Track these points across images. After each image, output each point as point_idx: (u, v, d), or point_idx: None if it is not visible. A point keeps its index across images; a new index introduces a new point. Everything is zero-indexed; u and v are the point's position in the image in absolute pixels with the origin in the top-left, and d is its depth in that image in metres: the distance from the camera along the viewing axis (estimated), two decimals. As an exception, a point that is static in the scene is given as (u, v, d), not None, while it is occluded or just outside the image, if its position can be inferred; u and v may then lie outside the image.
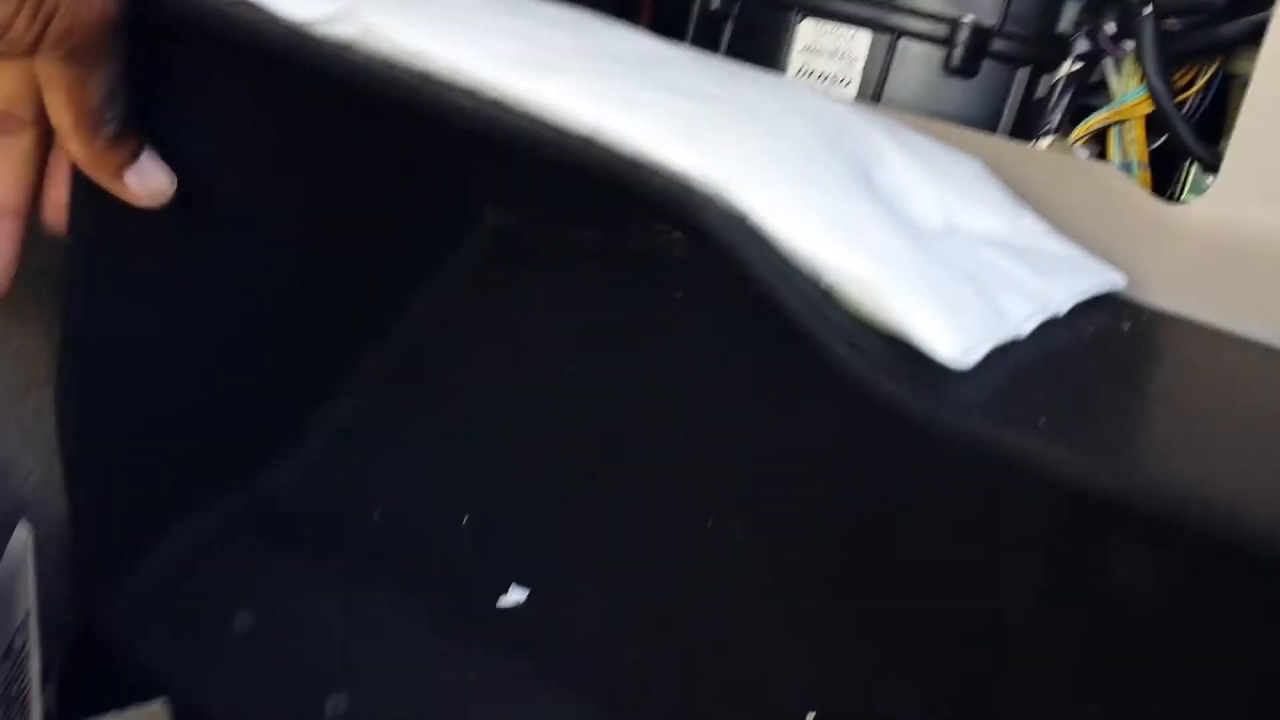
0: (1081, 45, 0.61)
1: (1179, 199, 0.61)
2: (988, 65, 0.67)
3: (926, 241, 0.39)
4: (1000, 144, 0.59)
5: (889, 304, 0.35)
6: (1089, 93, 0.65)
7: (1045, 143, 0.62)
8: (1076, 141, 0.62)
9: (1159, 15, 0.56)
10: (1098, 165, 0.57)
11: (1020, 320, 0.38)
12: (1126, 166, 0.62)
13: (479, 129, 0.39)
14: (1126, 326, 0.43)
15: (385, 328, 0.61)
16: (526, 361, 0.58)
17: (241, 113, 0.50)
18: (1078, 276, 0.43)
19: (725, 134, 0.38)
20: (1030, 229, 0.46)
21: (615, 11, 0.85)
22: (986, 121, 0.69)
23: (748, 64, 0.54)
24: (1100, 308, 0.43)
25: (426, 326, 0.60)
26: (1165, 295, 0.51)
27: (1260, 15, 0.55)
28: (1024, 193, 0.57)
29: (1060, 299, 0.41)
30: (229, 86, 0.49)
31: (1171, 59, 0.58)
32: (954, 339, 0.35)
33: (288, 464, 0.59)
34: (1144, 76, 0.57)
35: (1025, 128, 0.67)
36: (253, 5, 0.40)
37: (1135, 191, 0.56)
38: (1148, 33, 0.56)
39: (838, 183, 0.38)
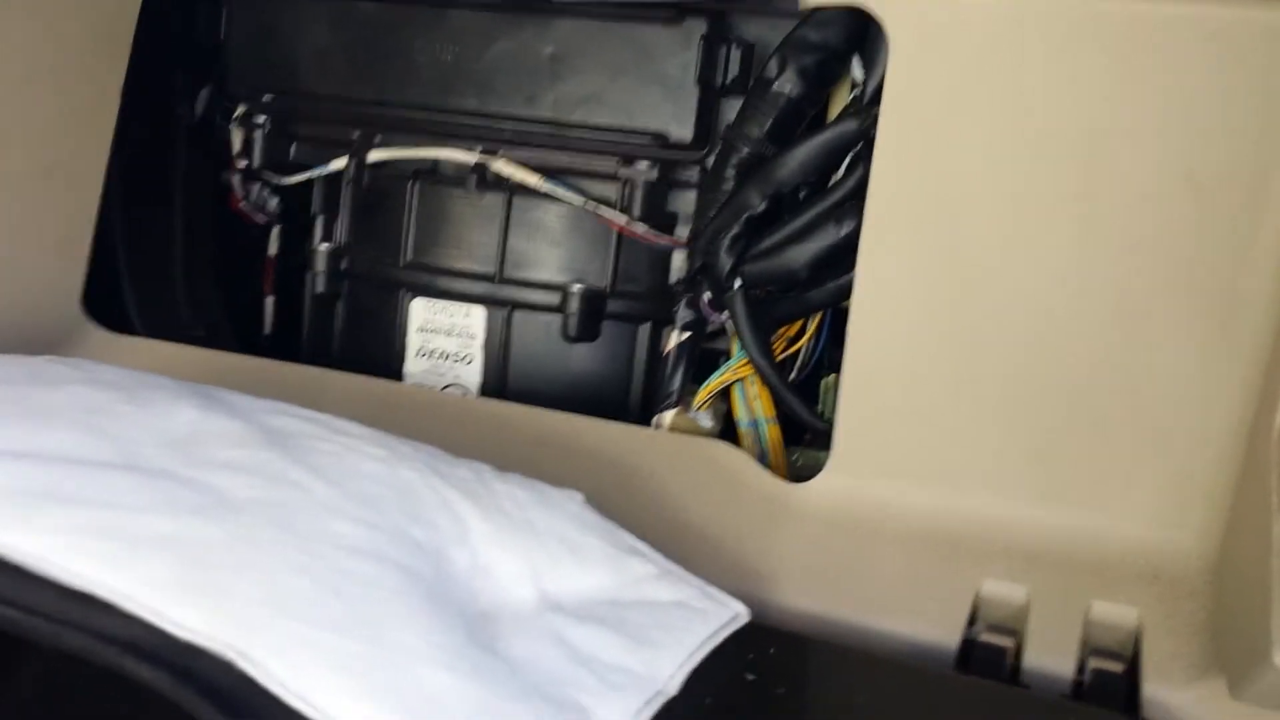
0: (685, 314, 0.60)
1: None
2: (609, 325, 0.66)
3: (495, 664, 0.35)
4: (618, 430, 0.56)
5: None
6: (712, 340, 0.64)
7: (668, 416, 0.60)
8: (700, 407, 0.60)
9: (748, 288, 0.55)
10: (717, 445, 0.55)
11: (617, 726, 0.35)
12: (754, 424, 0.60)
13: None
14: (750, 678, 0.40)
15: None
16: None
17: None
18: (690, 631, 0.40)
19: (239, 577, 0.34)
20: (638, 573, 0.43)
21: (245, 282, 0.79)
22: (619, 379, 0.67)
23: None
24: (721, 661, 0.40)
25: None
26: (791, 589, 0.49)
27: (844, 279, 0.55)
28: (648, 481, 0.55)
29: (667, 672, 0.38)
30: None
31: (771, 324, 0.58)
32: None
33: None
34: (743, 347, 0.56)
35: (658, 380, 0.66)
36: None
37: (755, 471, 0.54)
38: (739, 307, 0.55)
39: (382, 618, 0.34)
